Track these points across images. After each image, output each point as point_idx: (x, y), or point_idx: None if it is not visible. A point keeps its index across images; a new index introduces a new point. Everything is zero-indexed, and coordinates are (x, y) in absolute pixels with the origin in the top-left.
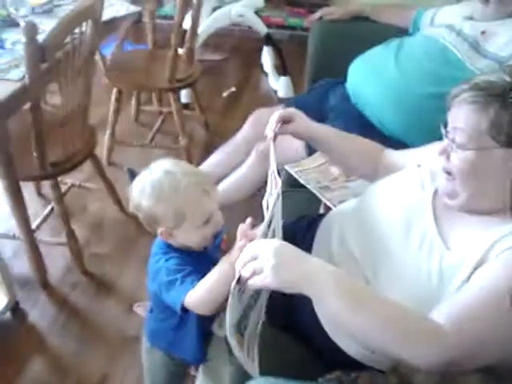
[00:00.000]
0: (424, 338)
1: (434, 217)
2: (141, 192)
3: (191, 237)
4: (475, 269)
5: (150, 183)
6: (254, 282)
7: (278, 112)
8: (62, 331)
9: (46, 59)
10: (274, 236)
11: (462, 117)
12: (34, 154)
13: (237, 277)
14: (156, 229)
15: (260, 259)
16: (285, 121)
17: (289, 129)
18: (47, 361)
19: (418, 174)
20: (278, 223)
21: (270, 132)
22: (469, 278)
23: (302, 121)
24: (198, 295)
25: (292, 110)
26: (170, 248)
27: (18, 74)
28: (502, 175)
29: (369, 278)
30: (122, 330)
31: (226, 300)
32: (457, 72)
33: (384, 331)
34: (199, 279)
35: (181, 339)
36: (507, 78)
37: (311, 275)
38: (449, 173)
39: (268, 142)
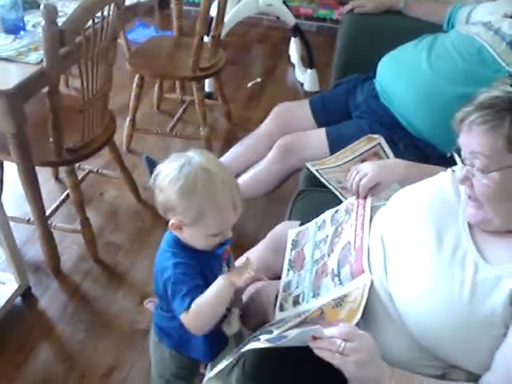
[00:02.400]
0: None
1: (468, 226)
2: (173, 180)
3: (197, 239)
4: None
5: (186, 175)
6: (332, 358)
7: (364, 182)
8: (71, 319)
9: (65, 43)
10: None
11: (475, 140)
12: (51, 139)
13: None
14: (168, 217)
15: (353, 345)
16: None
17: (375, 192)
18: (55, 349)
19: (453, 179)
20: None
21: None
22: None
23: (388, 181)
24: (194, 311)
25: (377, 178)
26: (179, 247)
27: (37, 57)
28: None
29: (397, 285)
30: (132, 322)
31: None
32: (492, 73)
33: None
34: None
35: (188, 339)
36: (511, 89)
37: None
38: (475, 200)
39: (292, 137)
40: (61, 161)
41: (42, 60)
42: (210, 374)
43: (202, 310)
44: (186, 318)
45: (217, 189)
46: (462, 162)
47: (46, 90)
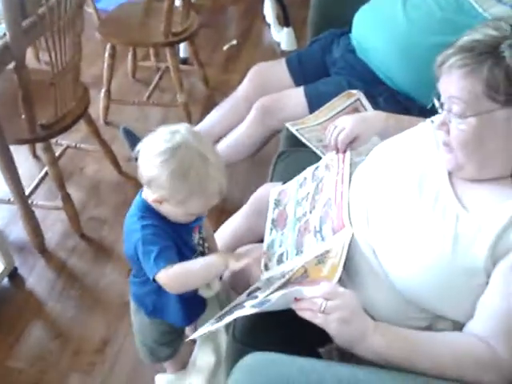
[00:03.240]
0: (486, 375)
1: (448, 177)
2: (166, 160)
3: (175, 215)
4: (494, 250)
5: (181, 159)
6: (314, 318)
7: (342, 137)
8: (60, 297)
9: (27, 14)
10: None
11: (454, 84)
12: (23, 116)
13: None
14: (150, 190)
15: (334, 303)
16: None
17: (355, 146)
18: (47, 327)
19: (433, 130)
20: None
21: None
22: (487, 262)
23: (367, 134)
24: (174, 274)
25: (354, 132)
26: (148, 211)
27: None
28: (507, 135)
29: (379, 238)
30: (122, 295)
31: None
32: (469, 19)
33: (441, 376)
34: (174, 255)
35: (163, 303)
36: (493, 33)
37: (363, 336)
38: (449, 146)
39: (270, 98)
40: (35, 137)
41: (4, 34)
42: (191, 336)
43: (184, 276)
44: (162, 278)
45: (209, 177)
46: (441, 107)
47: (12, 65)
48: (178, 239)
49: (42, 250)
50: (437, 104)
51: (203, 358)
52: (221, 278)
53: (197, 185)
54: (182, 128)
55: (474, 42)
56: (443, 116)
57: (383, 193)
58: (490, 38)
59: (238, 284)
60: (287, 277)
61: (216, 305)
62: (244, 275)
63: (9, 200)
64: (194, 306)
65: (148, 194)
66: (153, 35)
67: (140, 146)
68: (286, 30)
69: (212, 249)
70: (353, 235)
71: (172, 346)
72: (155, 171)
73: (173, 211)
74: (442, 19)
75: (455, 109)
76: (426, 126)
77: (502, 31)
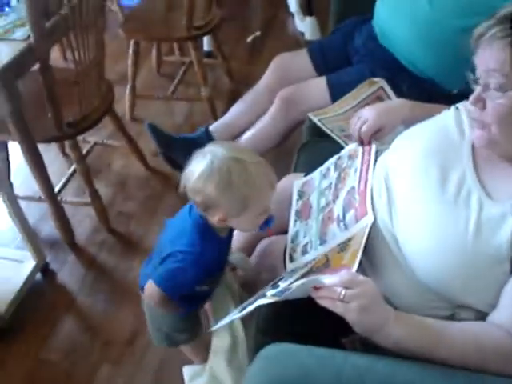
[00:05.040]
0: (509, 366)
1: (473, 164)
2: (208, 178)
3: (245, 225)
4: None
5: (218, 170)
6: (333, 306)
7: (365, 129)
8: (90, 291)
9: (50, 15)
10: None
11: (493, 56)
12: (49, 114)
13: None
14: (211, 213)
15: (354, 292)
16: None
17: (379, 137)
18: (78, 320)
19: (457, 117)
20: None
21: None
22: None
23: (391, 125)
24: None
25: (377, 124)
26: (205, 236)
27: (24, 33)
28: None
29: (401, 227)
30: None
31: None
32: (496, 1)
33: (464, 366)
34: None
35: None
36: None
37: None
38: (483, 122)
39: (292, 89)
40: (62, 135)
41: (29, 36)
42: (213, 327)
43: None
44: (149, 290)
45: (251, 174)
46: (475, 82)
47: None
48: (223, 255)
49: (73, 245)
50: (471, 79)
51: (218, 341)
52: (234, 269)
53: (244, 187)
54: (209, 145)
55: None
56: (479, 91)
57: (406, 181)
58: None
59: (262, 278)
60: (310, 266)
61: (228, 295)
62: (268, 269)
63: (39, 198)
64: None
65: (210, 219)
66: (175, 30)
67: (184, 178)
68: (309, 19)
69: None
70: (374, 222)
71: (188, 331)
72: (203, 194)
73: (241, 223)
74: (466, 1)
75: (494, 82)
76: (449, 112)
77: None
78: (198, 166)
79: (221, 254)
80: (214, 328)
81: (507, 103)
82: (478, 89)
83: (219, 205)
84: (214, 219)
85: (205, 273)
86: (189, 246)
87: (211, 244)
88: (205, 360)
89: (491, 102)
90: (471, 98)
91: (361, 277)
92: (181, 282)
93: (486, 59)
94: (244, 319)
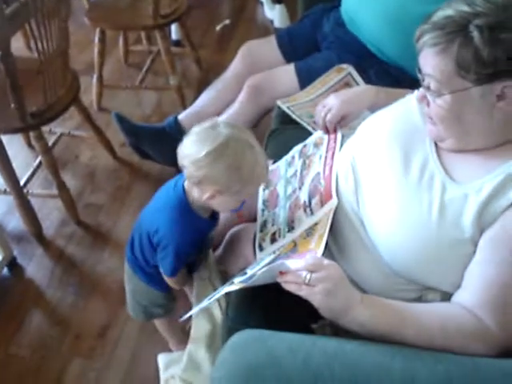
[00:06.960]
0: (472, 345)
1: (435, 148)
2: (219, 157)
3: (228, 205)
4: (480, 219)
5: (234, 153)
6: (299, 290)
7: (330, 117)
8: (60, 284)
9: (8, 2)
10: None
11: (428, 62)
12: (12, 105)
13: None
14: (202, 189)
15: (319, 275)
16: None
17: (345, 124)
18: (47, 314)
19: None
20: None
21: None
22: (475, 230)
23: (356, 112)
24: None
25: (341, 112)
26: (185, 212)
27: None
28: (484, 111)
29: (367, 210)
30: (120, 280)
31: None
32: None
33: (429, 346)
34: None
35: (153, 274)
36: (465, 8)
37: (348, 308)
38: (431, 118)
39: (260, 76)
40: (26, 126)
41: None
42: (188, 313)
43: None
44: (171, 283)
45: (258, 163)
46: (422, 81)
47: None
48: (204, 235)
49: (40, 238)
50: (419, 76)
51: (199, 328)
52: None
53: (249, 173)
54: (219, 123)
55: (446, 18)
56: (423, 90)
57: (371, 165)
58: (461, 15)
59: (232, 267)
60: (277, 252)
61: (209, 286)
62: (237, 257)
63: (5, 191)
64: None
65: (196, 192)
66: (141, 18)
67: (181, 149)
68: (278, 6)
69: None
70: (341, 206)
71: (165, 307)
72: (209, 169)
73: (225, 202)
74: None
75: (432, 85)
76: (412, 97)
77: (473, 7)
78: (208, 142)
79: (200, 232)
80: (186, 316)
81: (444, 106)
82: (422, 88)
83: (217, 183)
84: (204, 195)
85: (187, 246)
86: (167, 223)
87: (189, 220)
88: (180, 341)
89: (431, 102)
90: (417, 94)
91: (326, 260)
92: (180, 260)
93: (424, 64)
94: (222, 306)
